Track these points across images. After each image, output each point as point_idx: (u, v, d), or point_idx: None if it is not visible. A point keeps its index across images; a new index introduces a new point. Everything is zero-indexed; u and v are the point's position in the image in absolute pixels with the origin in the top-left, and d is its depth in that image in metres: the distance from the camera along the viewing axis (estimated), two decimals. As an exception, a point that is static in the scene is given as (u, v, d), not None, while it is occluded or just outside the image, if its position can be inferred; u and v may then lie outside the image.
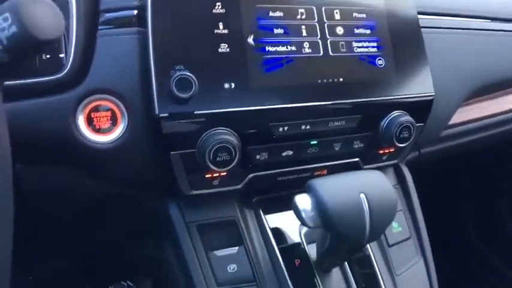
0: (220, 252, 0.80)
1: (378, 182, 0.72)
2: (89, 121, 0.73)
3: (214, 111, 0.73)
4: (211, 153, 0.72)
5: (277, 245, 0.84)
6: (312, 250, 0.85)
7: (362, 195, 0.69)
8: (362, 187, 0.69)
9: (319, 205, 0.68)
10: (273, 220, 0.88)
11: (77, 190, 0.82)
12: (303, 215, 0.69)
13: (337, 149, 0.86)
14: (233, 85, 0.74)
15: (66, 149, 0.73)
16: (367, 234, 0.68)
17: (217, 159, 0.73)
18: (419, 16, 0.94)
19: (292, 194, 0.80)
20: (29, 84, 0.69)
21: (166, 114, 0.71)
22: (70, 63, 0.70)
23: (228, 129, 0.74)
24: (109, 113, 0.74)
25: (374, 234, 0.69)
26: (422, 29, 0.94)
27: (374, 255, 0.89)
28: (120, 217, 0.94)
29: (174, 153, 0.74)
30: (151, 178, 0.79)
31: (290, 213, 0.87)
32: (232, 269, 0.79)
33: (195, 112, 0.72)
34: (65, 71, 0.70)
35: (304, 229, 0.88)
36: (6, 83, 0.67)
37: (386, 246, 0.91)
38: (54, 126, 0.71)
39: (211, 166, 0.73)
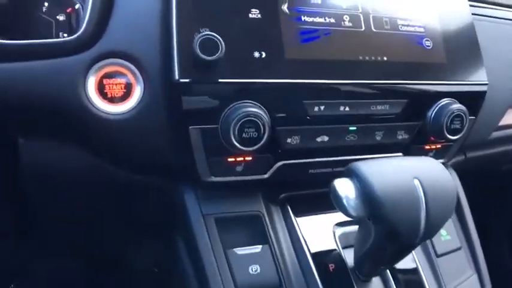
0: (241, 251, 0.68)
1: (433, 167, 0.60)
2: (100, 89, 0.64)
3: (242, 80, 0.64)
4: (237, 128, 0.62)
5: (308, 246, 0.72)
6: (348, 255, 0.73)
7: (416, 181, 0.57)
8: (415, 172, 0.58)
9: (365, 190, 0.56)
10: (303, 221, 0.76)
11: (80, 172, 0.72)
12: (345, 202, 0.57)
13: (378, 138, 0.75)
14: (264, 54, 0.65)
15: (73, 119, 0.64)
16: (422, 228, 0.56)
17: (244, 135, 0.62)
18: (471, 3, 0.86)
19: (324, 195, 0.70)
20: (37, 44, 0.62)
21: (187, 80, 0.61)
22: (86, 21, 0.63)
23: (256, 103, 0.65)
24: (123, 80, 0.65)
25: (430, 230, 0.57)
26: (473, 17, 0.85)
27: (420, 265, 0.76)
28: (128, 207, 0.84)
29: (194, 128, 0.64)
30: (166, 160, 0.69)
31: (322, 217, 0.77)
32: (255, 271, 0.67)
33: (220, 80, 0.63)
34: (80, 31, 0.62)
35: (340, 231, 0.76)
36: (11, 41, 0.62)
37: (434, 255, 0.78)
38: (61, 92, 0.62)
39: (236, 143, 0.62)
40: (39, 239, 1.01)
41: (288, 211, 0.76)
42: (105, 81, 0.64)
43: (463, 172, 0.93)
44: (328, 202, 0.78)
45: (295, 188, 0.78)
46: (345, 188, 0.58)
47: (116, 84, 0.65)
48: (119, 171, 0.72)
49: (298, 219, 0.76)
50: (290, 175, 0.74)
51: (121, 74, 0.65)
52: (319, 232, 0.75)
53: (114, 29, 0.64)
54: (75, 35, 0.63)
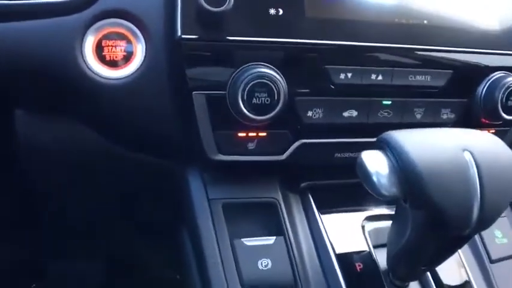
0: (250, 241, 0.58)
1: (488, 138, 0.48)
2: (99, 52, 0.58)
3: (254, 39, 0.55)
4: (247, 90, 0.53)
5: (331, 241, 0.61)
6: (380, 255, 0.61)
7: (467, 154, 0.46)
8: (465, 143, 0.46)
9: (401, 164, 0.45)
10: (327, 213, 0.65)
11: (78, 148, 0.66)
12: (375, 179, 0.46)
13: (418, 116, 0.64)
14: (281, 11, 0.56)
15: (69, 84, 0.58)
16: (475, 214, 0.44)
17: (254, 100, 0.53)
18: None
19: (354, 186, 0.58)
20: (34, 3, 0.57)
21: (190, 37, 0.54)
22: None
23: (270, 65, 0.56)
24: (123, 43, 0.58)
25: (485, 217, 0.45)
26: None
27: (471, 272, 0.62)
28: (131, 198, 0.76)
29: (198, 93, 0.56)
30: (168, 133, 0.61)
31: (350, 210, 0.66)
32: (265, 266, 0.57)
33: (229, 38, 0.54)
34: None
35: (370, 226, 0.64)
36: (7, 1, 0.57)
37: (488, 261, 0.65)
38: (56, 54, 0.57)
39: (244, 110, 0.53)
40: (51, 234, 0.96)
41: (309, 201, 0.65)
42: (104, 42, 0.58)
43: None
44: (358, 195, 0.69)
45: (319, 175, 0.68)
46: (375, 161, 0.47)
47: (116, 47, 0.58)
48: (119, 148, 0.65)
49: (321, 211, 0.65)
50: (312, 158, 0.63)
51: (121, 36, 0.58)
52: (346, 226, 0.64)
53: None
54: None
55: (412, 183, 0.45)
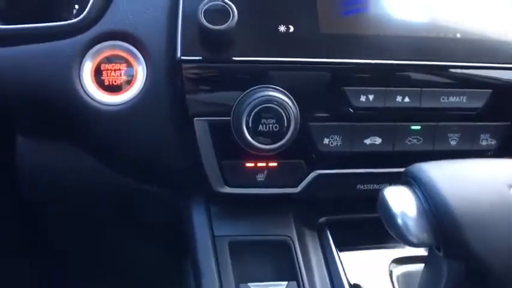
0: (258, 287, 0.51)
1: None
2: (97, 76, 0.54)
3: (261, 58, 0.50)
4: (252, 117, 0.47)
5: (352, 285, 0.53)
6: (410, 303, 0.53)
7: (511, 193, 0.38)
8: (509, 178, 0.38)
9: (433, 204, 0.37)
10: (347, 254, 0.58)
11: (79, 177, 0.62)
12: (400, 221, 0.39)
13: (453, 143, 0.56)
14: (292, 28, 0.50)
15: (66, 110, 0.55)
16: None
17: (260, 127, 0.47)
18: None
19: (378, 221, 0.52)
20: (32, 28, 0.54)
21: (191, 58, 0.49)
22: (90, 5, 0.54)
23: (280, 88, 0.50)
24: (123, 66, 0.54)
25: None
26: None
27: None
28: (128, 224, 0.71)
29: (200, 119, 0.51)
30: (171, 162, 0.56)
31: (375, 251, 0.58)
32: (275, 317, 0.50)
33: (233, 58, 0.49)
34: (82, 15, 0.54)
35: (398, 270, 0.56)
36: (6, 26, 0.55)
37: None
38: (53, 78, 0.54)
39: (249, 138, 0.47)
40: (58, 260, 0.93)
41: (328, 239, 0.58)
42: (103, 66, 0.55)
43: None
44: (384, 233, 0.61)
45: (339, 210, 0.60)
46: (401, 200, 0.39)
47: (115, 70, 0.55)
48: (119, 178, 0.61)
49: (341, 251, 0.57)
50: (330, 191, 0.56)
51: (121, 58, 0.55)
52: (370, 271, 0.56)
53: (116, 8, 0.55)
54: (76, 19, 0.55)
55: (446, 229, 0.37)
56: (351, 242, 0.58)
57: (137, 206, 0.66)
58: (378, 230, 0.58)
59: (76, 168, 0.63)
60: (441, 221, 0.37)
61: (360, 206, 0.59)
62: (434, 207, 0.38)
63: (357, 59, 0.51)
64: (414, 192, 0.40)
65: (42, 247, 0.87)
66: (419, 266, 0.52)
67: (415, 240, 0.38)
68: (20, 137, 0.63)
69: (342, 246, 0.58)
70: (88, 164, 0.61)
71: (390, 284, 0.54)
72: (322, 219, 0.59)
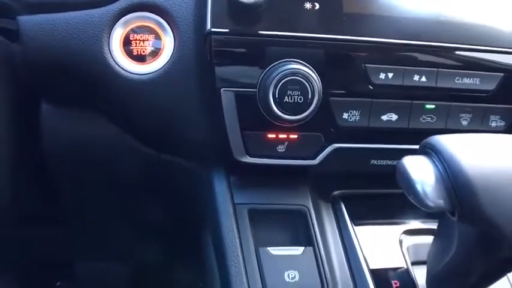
0: (277, 251, 0.54)
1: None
2: (126, 46, 0.57)
3: (288, 33, 0.52)
4: (278, 88, 0.49)
5: (365, 256, 0.56)
6: (419, 273, 0.56)
7: (526, 163, 0.40)
8: (525, 150, 0.41)
9: (451, 173, 0.40)
10: (361, 225, 0.61)
11: (104, 147, 0.64)
12: (420, 188, 0.42)
13: (464, 123, 0.58)
14: (317, 5, 0.52)
15: (95, 78, 0.57)
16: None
17: (286, 99, 0.50)
18: None
19: (391, 197, 0.54)
20: None
21: (220, 30, 0.51)
22: None
23: (304, 63, 0.52)
24: (151, 37, 0.56)
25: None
26: None
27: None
28: (154, 197, 0.74)
29: (226, 90, 0.53)
30: (195, 132, 0.58)
31: (386, 223, 0.61)
32: (292, 278, 0.53)
33: (261, 32, 0.51)
34: None
35: (409, 241, 0.59)
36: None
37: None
38: (83, 46, 0.56)
39: (275, 108, 0.50)
40: (76, 231, 0.95)
41: (342, 210, 0.61)
42: (131, 36, 0.57)
43: None
44: (395, 207, 0.63)
45: (353, 184, 0.63)
46: (420, 168, 0.42)
47: (143, 41, 0.57)
48: (142, 147, 0.63)
49: (355, 222, 0.60)
50: (346, 164, 0.59)
51: (149, 30, 0.57)
52: (381, 240, 0.59)
53: None
54: None
55: (462, 195, 0.40)
56: (363, 214, 0.61)
57: (159, 176, 0.68)
58: (389, 204, 0.62)
59: (99, 137, 0.65)
60: (457, 186, 0.40)
61: (373, 181, 0.62)
62: (451, 175, 0.41)
63: (377, 37, 0.53)
64: (432, 161, 0.42)
65: (61, 217, 0.89)
66: (429, 238, 0.56)
67: (432, 205, 0.41)
68: (45, 104, 0.65)
69: (355, 218, 0.60)
70: (112, 133, 0.63)
71: (401, 253, 0.57)
72: (336, 192, 0.62)
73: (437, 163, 0.42)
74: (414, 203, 0.42)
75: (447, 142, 0.43)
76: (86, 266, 1.10)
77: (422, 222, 0.62)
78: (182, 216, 0.79)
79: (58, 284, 1.13)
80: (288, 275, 0.53)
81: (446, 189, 0.41)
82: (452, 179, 0.41)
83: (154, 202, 0.78)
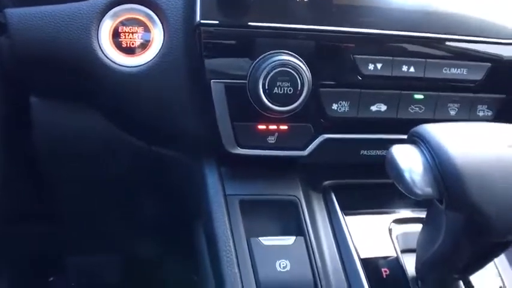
0: (268, 241, 0.55)
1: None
2: (115, 39, 0.56)
3: (277, 25, 0.52)
4: (268, 79, 0.50)
5: (355, 244, 0.57)
6: (409, 261, 0.57)
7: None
8: (510, 138, 0.42)
9: (439, 160, 0.41)
10: (351, 215, 0.61)
11: (94, 140, 0.64)
12: (408, 176, 0.42)
13: (452, 113, 0.59)
14: (307, -4, 0.53)
15: (84, 71, 0.56)
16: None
17: (275, 90, 0.50)
18: None
19: (381, 187, 0.55)
20: None
21: (209, 22, 0.51)
22: None
23: (294, 54, 0.52)
24: (141, 29, 0.56)
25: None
26: None
27: (508, 283, 0.57)
28: (146, 191, 0.74)
29: (216, 82, 0.53)
30: (185, 124, 0.58)
31: (376, 213, 0.62)
32: (283, 267, 0.53)
33: (251, 23, 0.51)
34: None
35: (398, 229, 0.60)
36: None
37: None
38: (73, 39, 0.55)
39: (265, 99, 0.50)
40: (68, 226, 0.95)
41: (333, 200, 0.61)
42: (120, 29, 0.56)
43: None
44: (385, 196, 0.64)
45: (343, 174, 0.64)
46: (408, 157, 0.43)
47: (133, 33, 0.56)
48: (132, 140, 0.63)
49: (345, 212, 0.61)
50: (336, 155, 0.60)
51: (139, 22, 0.56)
52: (371, 229, 0.60)
53: None
54: None
55: (450, 182, 0.40)
56: (354, 204, 0.62)
57: (151, 169, 0.68)
58: (379, 194, 0.62)
59: (90, 130, 0.64)
60: (444, 174, 0.41)
61: (363, 172, 0.63)
62: (438, 163, 0.41)
63: (366, 29, 0.54)
64: (420, 149, 0.43)
65: (54, 212, 0.88)
66: (418, 226, 0.57)
67: (420, 193, 0.42)
68: (34, 98, 0.65)
69: (346, 208, 0.61)
70: (102, 126, 0.63)
71: (390, 242, 0.58)
72: (327, 183, 0.63)
73: (425, 152, 0.43)
74: (403, 191, 0.43)
75: (434, 131, 0.43)
76: (79, 261, 1.11)
77: (412, 211, 0.62)
78: (175, 210, 0.80)
79: (51, 279, 1.14)
80: (280, 264, 0.53)
81: (434, 177, 0.42)
82: (440, 167, 0.42)
83: (146, 196, 0.78)
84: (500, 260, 0.59)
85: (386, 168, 0.44)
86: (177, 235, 0.83)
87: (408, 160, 0.43)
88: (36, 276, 1.09)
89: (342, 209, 0.61)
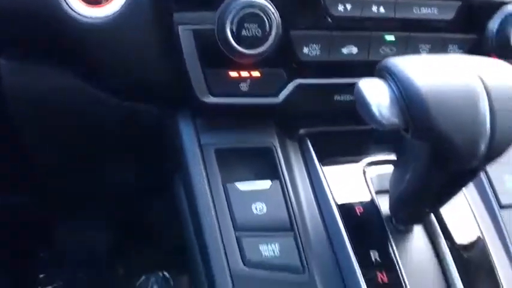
0: (244, 186, 0.55)
1: (500, 66, 0.44)
2: None
3: (242, -35, 0.51)
4: (235, 22, 0.49)
5: (329, 185, 0.58)
6: (383, 201, 0.58)
7: (477, 81, 0.41)
8: (476, 70, 0.42)
9: (404, 91, 0.41)
10: (326, 160, 0.62)
11: (64, 98, 0.62)
12: (375, 109, 0.42)
13: (423, 53, 0.59)
14: None
15: (49, 25, 0.55)
16: (483, 144, 0.41)
17: (243, 32, 0.49)
18: None
19: (355, 133, 0.55)
20: None
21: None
22: None
23: (262, -5, 0.51)
24: (106, -24, 0.54)
25: (494, 147, 0.41)
26: None
27: (478, 216, 0.59)
28: (121, 147, 0.73)
29: (184, 27, 0.52)
30: (156, 75, 0.57)
31: (352, 163, 0.62)
32: (260, 210, 0.54)
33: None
34: None
35: (372, 171, 0.61)
36: None
37: (497, 207, 0.61)
38: None
39: (233, 42, 0.49)
40: (50, 195, 0.95)
41: (308, 147, 0.62)
42: None
43: None
44: (360, 143, 0.65)
45: (318, 122, 0.64)
46: (375, 90, 0.43)
47: None
48: (105, 97, 0.62)
49: (320, 158, 0.62)
50: (310, 101, 0.60)
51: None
52: (346, 171, 0.60)
53: None
54: None
55: (415, 111, 0.41)
56: (329, 151, 0.62)
57: (125, 126, 0.67)
58: (354, 141, 0.63)
59: (61, 90, 0.63)
60: (410, 104, 0.41)
61: (338, 119, 0.63)
62: (404, 94, 0.42)
63: (334, -34, 0.53)
64: (387, 82, 0.43)
65: (34, 180, 0.88)
66: (391, 168, 0.58)
67: (386, 123, 0.42)
68: (2, 60, 0.63)
69: (321, 154, 0.61)
70: (73, 86, 0.62)
71: (365, 184, 0.59)
72: (302, 131, 0.63)
73: (391, 84, 0.43)
74: (370, 123, 0.43)
75: (401, 63, 0.43)
76: (66, 234, 1.11)
77: (387, 155, 0.64)
78: (155, 168, 0.80)
79: (41, 254, 1.14)
80: (256, 207, 0.54)
81: (400, 108, 0.43)
82: (406, 98, 0.42)
83: (123, 156, 0.77)
84: (472, 194, 0.60)
85: (357, 104, 0.45)
86: (160, 194, 0.83)
87: (375, 93, 0.43)
88: (26, 250, 1.09)
89: (317, 155, 0.62)
